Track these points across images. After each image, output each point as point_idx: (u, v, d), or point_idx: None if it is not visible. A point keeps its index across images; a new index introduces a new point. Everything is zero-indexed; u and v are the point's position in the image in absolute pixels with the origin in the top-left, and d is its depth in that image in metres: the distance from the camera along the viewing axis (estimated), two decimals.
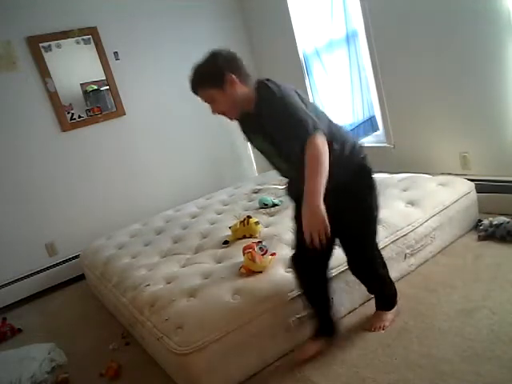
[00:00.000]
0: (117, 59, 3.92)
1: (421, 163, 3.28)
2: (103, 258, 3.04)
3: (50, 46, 3.61)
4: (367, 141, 3.74)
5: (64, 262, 3.75)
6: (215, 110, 1.75)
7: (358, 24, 3.38)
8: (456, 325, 1.94)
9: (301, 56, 4.08)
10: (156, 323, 2.05)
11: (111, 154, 3.96)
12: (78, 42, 3.73)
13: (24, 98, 3.54)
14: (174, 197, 4.15)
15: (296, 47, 4.07)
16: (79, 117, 3.77)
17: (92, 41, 3.78)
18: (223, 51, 1.73)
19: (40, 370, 2.34)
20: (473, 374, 1.64)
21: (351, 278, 2.21)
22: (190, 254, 2.68)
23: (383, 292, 2.10)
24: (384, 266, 2.05)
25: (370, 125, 3.61)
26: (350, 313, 2.23)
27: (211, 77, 1.67)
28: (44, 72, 3.58)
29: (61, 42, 3.64)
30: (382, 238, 2.33)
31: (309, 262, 1.90)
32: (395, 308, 2.11)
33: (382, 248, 2.31)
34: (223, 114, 1.76)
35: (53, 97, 3.63)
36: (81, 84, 3.77)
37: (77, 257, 3.64)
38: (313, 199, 1.55)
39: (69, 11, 3.69)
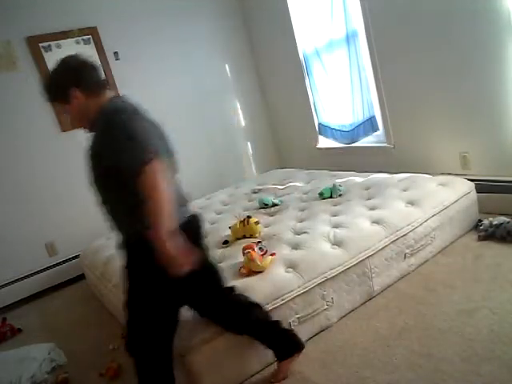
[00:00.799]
0: (117, 59, 3.93)
1: (421, 163, 3.28)
2: (103, 258, 3.04)
3: (49, 45, 3.61)
4: (367, 141, 3.75)
5: (64, 261, 3.75)
6: (70, 121, 1.71)
7: (358, 24, 3.38)
8: (456, 325, 1.94)
9: (301, 56, 4.08)
10: None
11: None
12: (77, 42, 3.73)
13: (24, 98, 3.54)
14: None
15: (296, 47, 4.07)
16: None
17: (92, 41, 3.78)
18: (72, 61, 1.65)
19: (40, 369, 2.35)
20: (473, 374, 1.64)
21: (351, 277, 2.22)
22: None
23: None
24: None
25: (370, 125, 3.61)
26: (350, 312, 2.24)
27: (56, 92, 1.64)
28: (44, 72, 3.58)
29: (61, 42, 3.64)
30: (382, 237, 2.34)
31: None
32: None
33: (382, 248, 2.32)
34: (78, 125, 1.70)
35: None
36: None
37: (77, 257, 3.64)
38: (156, 234, 1.38)
39: (69, 11, 3.69)
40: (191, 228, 1.66)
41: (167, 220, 1.40)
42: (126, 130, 1.47)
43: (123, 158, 1.44)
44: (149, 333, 1.66)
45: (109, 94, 1.68)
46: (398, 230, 2.40)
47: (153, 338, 1.67)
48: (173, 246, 1.39)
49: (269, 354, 2.00)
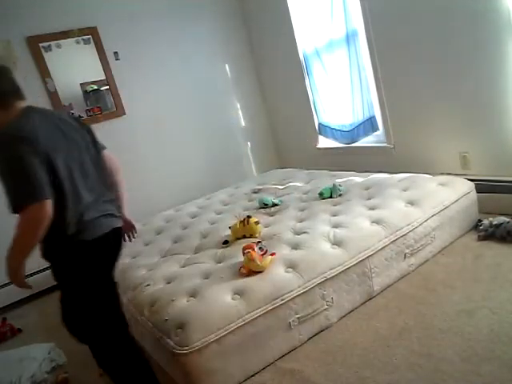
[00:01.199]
0: (117, 59, 3.93)
1: (421, 163, 3.29)
2: None
3: (49, 45, 3.61)
4: (367, 141, 3.75)
5: None
6: None
7: (358, 24, 3.38)
8: (456, 325, 1.94)
9: (301, 56, 4.08)
10: (156, 323, 2.05)
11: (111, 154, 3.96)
12: (77, 42, 3.73)
13: None
14: (174, 197, 4.15)
15: (296, 47, 4.07)
16: (79, 117, 3.77)
17: (92, 41, 3.78)
18: None
19: (40, 369, 2.34)
20: (473, 374, 1.64)
21: (351, 277, 2.22)
22: (190, 254, 2.68)
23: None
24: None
25: (370, 125, 3.61)
26: (350, 312, 2.24)
27: None
28: (44, 72, 3.59)
29: (61, 41, 3.64)
30: (382, 237, 2.34)
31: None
32: None
33: (382, 248, 2.32)
34: None
35: (53, 97, 3.64)
36: (81, 84, 3.77)
37: None
38: (8, 264, 1.60)
39: (69, 11, 3.69)
40: (104, 242, 1.74)
41: (19, 257, 1.61)
42: (13, 168, 1.50)
43: (7, 194, 1.53)
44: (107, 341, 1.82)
45: (21, 104, 1.66)
46: (397, 230, 2.40)
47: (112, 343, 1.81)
48: (14, 269, 1.62)
49: (268, 354, 2.01)
